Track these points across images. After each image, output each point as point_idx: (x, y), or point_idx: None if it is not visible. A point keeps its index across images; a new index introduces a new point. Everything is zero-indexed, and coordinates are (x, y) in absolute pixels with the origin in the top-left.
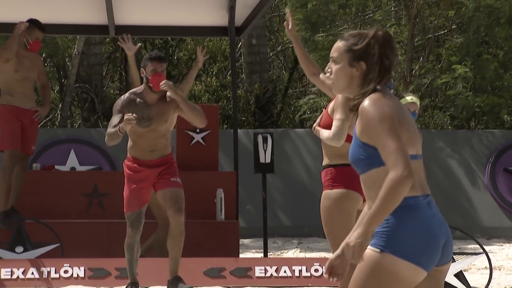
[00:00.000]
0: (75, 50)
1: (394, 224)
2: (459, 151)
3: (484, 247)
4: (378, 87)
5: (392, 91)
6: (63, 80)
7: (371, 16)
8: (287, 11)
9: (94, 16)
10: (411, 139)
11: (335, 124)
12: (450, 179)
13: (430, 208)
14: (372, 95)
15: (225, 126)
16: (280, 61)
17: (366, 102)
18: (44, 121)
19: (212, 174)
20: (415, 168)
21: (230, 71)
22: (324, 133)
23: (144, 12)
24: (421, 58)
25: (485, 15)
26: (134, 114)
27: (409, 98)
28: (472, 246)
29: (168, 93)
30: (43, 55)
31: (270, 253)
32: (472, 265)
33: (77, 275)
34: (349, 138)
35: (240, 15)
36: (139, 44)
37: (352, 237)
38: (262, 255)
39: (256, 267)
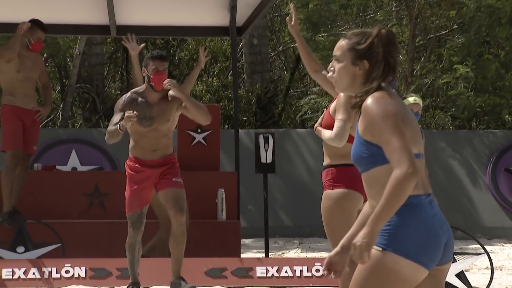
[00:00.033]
0: (77, 50)
1: (396, 222)
2: (460, 151)
3: (486, 247)
4: (382, 84)
5: (394, 91)
6: (64, 80)
7: (373, 16)
8: (291, 6)
9: (95, 16)
10: (414, 138)
11: (337, 124)
12: (451, 179)
13: (432, 207)
14: (375, 94)
15: (226, 126)
16: (282, 61)
17: (369, 100)
18: (46, 121)
19: (213, 174)
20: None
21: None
22: (326, 134)
23: (145, 12)
24: (422, 58)
25: (486, 15)
26: (135, 112)
27: (412, 98)
28: (473, 246)
29: (170, 92)
30: (44, 55)
31: (271, 253)
32: (473, 265)
33: (78, 275)
34: (350, 139)
35: (242, 15)
36: (143, 44)
37: (358, 237)
38: (263, 255)
39: (257, 267)
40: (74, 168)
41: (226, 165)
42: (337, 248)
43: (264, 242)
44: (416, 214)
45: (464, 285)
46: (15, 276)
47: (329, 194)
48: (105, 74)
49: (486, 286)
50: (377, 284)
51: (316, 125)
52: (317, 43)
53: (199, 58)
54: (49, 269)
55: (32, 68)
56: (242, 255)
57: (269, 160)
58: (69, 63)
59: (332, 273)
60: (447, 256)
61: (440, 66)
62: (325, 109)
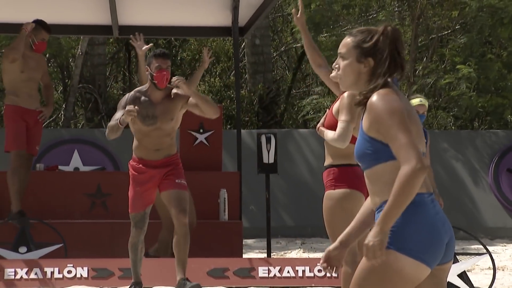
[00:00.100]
0: (79, 50)
1: (399, 221)
2: (463, 151)
3: (488, 247)
4: (388, 79)
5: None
6: (66, 81)
7: (375, 16)
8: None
9: (97, 16)
10: (419, 135)
11: (340, 125)
12: (454, 179)
13: (434, 206)
14: (381, 91)
15: (228, 126)
16: (284, 61)
17: (375, 97)
18: (48, 121)
19: (216, 174)
20: None
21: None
22: (329, 134)
23: (147, 12)
24: (425, 58)
25: (489, 15)
26: (136, 107)
27: (417, 100)
28: (476, 246)
29: (173, 90)
30: (47, 55)
31: (274, 253)
32: (475, 266)
33: (81, 275)
34: (353, 140)
35: (244, 16)
36: (151, 44)
37: (369, 236)
38: (265, 255)
39: (259, 268)
40: (76, 168)
41: (228, 165)
42: (336, 243)
43: (266, 242)
44: (419, 212)
45: (466, 285)
46: (18, 276)
47: (331, 194)
48: (107, 74)
49: (488, 286)
50: (379, 283)
51: (318, 125)
52: (319, 44)
53: (203, 59)
54: (51, 269)
55: (36, 68)
56: (244, 255)
57: (271, 160)
58: (72, 63)
59: (329, 268)
60: (448, 255)
61: (442, 66)
62: (327, 109)
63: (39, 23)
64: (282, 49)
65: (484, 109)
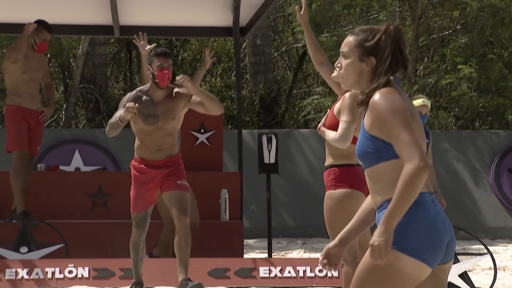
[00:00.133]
0: (80, 50)
1: (400, 220)
2: (464, 151)
3: (489, 247)
4: (391, 77)
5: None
6: (67, 81)
7: (376, 16)
8: None
9: (98, 16)
10: (420, 134)
11: (341, 126)
12: (455, 179)
13: (435, 205)
14: (383, 89)
15: (229, 126)
16: (285, 61)
17: (377, 96)
18: (49, 121)
19: (217, 174)
20: None
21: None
22: (330, 135)
23: (148, 12)
24: (426, 58)
25: (490, 15)
26: (137, 104)
27: (420, 100)
28: (477, 246)
29: (175, 90)
30: (48, 55)
31: (275, 253)
32: (476, 266)
33: (82, 275)
34: (354, 140)
35: (245, 16)
36: (154, 44)
37: (374, 236)
38: (266, 255)
39: (260, 268)
40: (77, 169)
41: (229, 166)
42: (336, 241)
43: (267, 243)
44: (420, 212)
45: (467, 285)
46: (19, 277)
47: (332, 194)
48: (108, 74)
49: (489, 286)
50: (379, 282)
51: (319, 125)
52: (320, 44)
53: (205, 59)
54: (52, 269)
55: (37, 68)
56: (245, 256)
57: (272, 160)
58: (73, 64)
59: (328, 265)
60: (449, 255)
61: (443, 66)
62: (328, 109)
63: (41, 23)
64: (283, 49)
65: (485, 109)
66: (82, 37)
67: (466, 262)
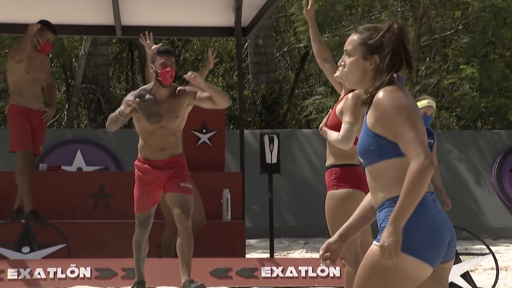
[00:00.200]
0: (82, 50)
1: None
2: (466, 151)
3: (491, 247)
4: (394, 75)
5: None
6: (69, 81)
7: (378, 16)
8: None
9: (100, 16)
10: (423, 132)
11: (344, 127)
12: (456, 180)
13: (436, 205)
14: (387, 87)
15: (231, 126)
16: (287, 61)
17: (381, 93)
18: (51, 121)
19: (218, 174)
20: None
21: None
22: (333, 135)
23: (150, 12)
24: (428, 58)
25: (492, 15)
26: (137, 99)
27: (426, 101)
28: (479, 246)
29: (179, 88)
30: (50, 55)
31: (276, 253)
32: (478, 266)
33: (84, 275)
34: (356, 141)
35: (247, 16)
36: (160, 43)
37: (382, 237)
38: (268, 255)
39: (262, 268)
40: (79, 169)
41: (231, 166)
42: (335, 237)
43: (269, 243)
44: (421, 211)
45: (469, 285)
46: (21, 276)
47: (334, 194)
48: (110, 74)
49: (491, 286)
50: (381, 282)
51: (321, 125)
52: None
53: (208, 59)
54: (55, 269)
55: (40, 69)
56: (247, 255)
57: (274, 160)
58: (74, 64)
59: (328, 260)
60: (450, 254)
61: (445, 66)
62: (330, 109)
63: (44, 24)
64: (285, 49)
65: (487, 109)
66: (84, 37)
67: (468, 262)
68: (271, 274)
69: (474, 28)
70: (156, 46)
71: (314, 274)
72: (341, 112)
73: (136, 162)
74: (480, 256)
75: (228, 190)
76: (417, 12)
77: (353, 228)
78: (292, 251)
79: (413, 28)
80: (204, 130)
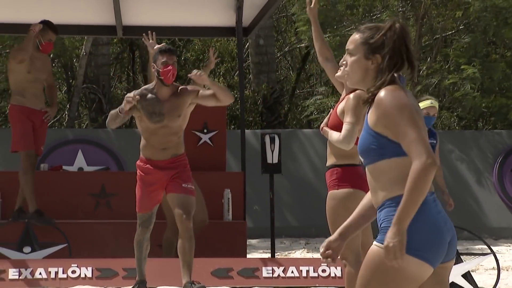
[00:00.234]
0: (83, 50)
1: None
2: (467, 151)
3: (492, 247)
4: (395, 75)
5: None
6: (70, 81)
7: (379, 16)
8: None
9: (101, 16)
10: (425, 132)
11: (345, 127)
12: (458, 180)
13: (436, 205)
14: (388, 87)
15: (232, 126)
16: (288, 61)
17: (383, 93)
18: (52, 121)
19: (220, 174)
20: None
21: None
22: (334, 135)
23: (151, 12)
24: (429, 58)
25: (493, 15)
26: (137, 96)
27: (428, 102)
28: (480, 246)
29: (181, 87)
30: (51, 56)
31: (278, 253)
32: (479, 266)
33: (85, 275)
34: (357, 141)
35: (248, 16)
36: (163, 43)
37: (387, 238)
38: (269, 255)
39: (263, 268)
40: (80, 169)
41: (232, 166)
42: (335, 235)
43: (270, 243)
44: (421, 211)
45: (470, 285)
46: (22, 276)
47: (335, 194)
48: (111, 74)
49: (492, 286)
50: (383, 283)
51: (322, 125)
52: None
53: (209, 59)
54: (56, 269)
55: (41, 69)
56: (248, 256)
57: (275, 160)
58: (76, 64)
59: (328, 257)
60: (450, 254)
61: (447, 66)
62: (331, 109)
63: (46, 24)
64: (286, 49)
65: (488, 109)
66: (85, 37)
67: (469, 262)
68: (272, 274)
69: (475, 28)
70: (159, 46)
71: (315, 274)
72: (342, 112)
73: (138, 162)
74: (481, 256)
75: (229, 190)
76: (418, 12)
77: (353, 226)
78: (293, 251)
79: (414, 28)
80: (205, 130)
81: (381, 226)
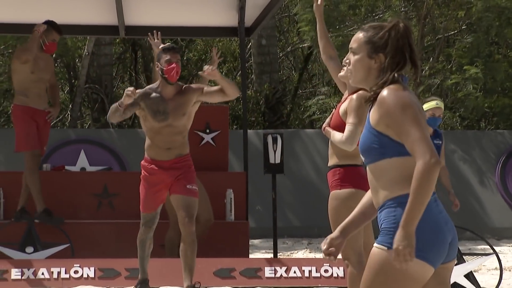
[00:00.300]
0: (85, 50)
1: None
2: (469, 151)
3: (494, 247)
4: (397, 75)
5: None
6: (73, 81)
7: (381, 16)
8: None
9: (104, 16)
10: (428, 131)
11: (348, 128)
12: (460, 180)
13: (437, 205)
14: (391, 86)
15: (235, 126)
16: (290, 61)
17: (385, 92)
18: (54, 121)
19: (222, 174)
20: None
21: (240, 72)
22: (336, 136)
23: (154, 12)
24: (431, 58)
25: (495, 15)
26: (137, 90)
27: (434, 102)
28: (482, 246)
29: (185, 86)
30: (53, 56)
31: (280, 253)
32: (482, 266)
33: (87, 275)
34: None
35: (250, 16)
36: (168, 43)
37: (395, 241)
38: (271, 255)
39: (265, 268)
40: (83, 169)
41: (235, 166)
42: (337, 232)
43: (272, 243)
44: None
45: (473, 285)
46: (24, 277)
47: (337, 194)
48: (114, 74)
49: (495, 286)
50: (385, 284)
51: (324, 125)
52: None
53: (212, 59)
54: (58, 269)
55: (45, 69)
56: (251, 256)
57: (278, 160)
58: (78, 64)
59: (329, 255)
60: (451, 254)
61: (449, 66)
62: (333, 109)
63: (50, 24)
64: (289, 49)
65: (491, 109)
66: (88, 37)
67: (472, 262)
68: (275, 274)
69: (477, 28)
70: (164, 45)
71: (318, 274)
72: (345, 112)
73: (142, 162)
74: (483, 256)
75: (231, 190)
76: (421, 12)
77: (354, 224)
78: (296, 251)
79: (416, 28)
80: (207, 130)
81: (382, 226)
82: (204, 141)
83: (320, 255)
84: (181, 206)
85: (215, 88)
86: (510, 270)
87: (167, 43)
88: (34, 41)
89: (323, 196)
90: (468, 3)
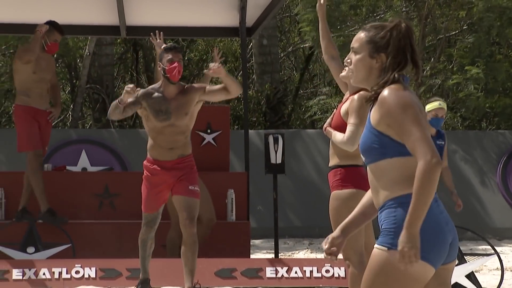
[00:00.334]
0: (86, 50)
1: (402, 220)
2: (470, 152)
3: (496, 248)
4: (398, 75)
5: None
6: (74, 81)
7: (382, 16)
8: None
9: (105, 16)
10: (429, 131)
11: (349, 128)
12: (461, 180)
13: (438, 205)
14: (392, 86)
15: (236, 126)
16: (291, 61)
17: (386, 92)
18: (56, 122)
19: (223, 174)
20: None
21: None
22: (338, 136)
23: (155, 13)
24: (432, 58)
25: (496, 15)
26: (138, 88)
27: (437, 103)
28: (484, 247)
29: (187, 85)
30: (54, 56)
31: (281, 253)
32: (483, 266)
33: (89, 275)
34: None
35: (251, 16)
36: (171, 43)
37: (400, 242)
38: (273, 255)
39: (267, 268)
40: (84, 169)
41: (236, 166)
42: (337, 232)
43: (273, 243)
44: None
45: (474, 286)
46: (25, 277)
47: (338, 194)
48: (115, 74)
49: (496, 287)
50: (385, 284)
51: (325, 125)
52: None
53: (213, 59)
54: (59, 269)
55: (46, 69)
56: (252, 256)
57: (279, 160)
58: (79, 64)
59: (330, 253)
60: (452, 255)
61: (450, 66)
62: (334, 110)
63: (52, 25)
64: (290, 49)
65: (492, 109)
66: (89, 37)
67: (473, 262)
68: (276, 275)
69: (479, 28)
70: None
71: (319, 275)
72: (346, 112)
73: (145, 162)
74: (485, 257)
75: (232, 191)
76: (422, 12)
77: (355, 223)
78: (297, 252)
79: (417, 28)
80: (208, 131)
81: (382, 227)
82: (205, 141)
83: (321, 255)
84: (183, 207)
85: (218, 86)
86: (511, 271)
87: (169, 43)
88: (37, 41)
89: (324, 196)
90: (469, 3)
